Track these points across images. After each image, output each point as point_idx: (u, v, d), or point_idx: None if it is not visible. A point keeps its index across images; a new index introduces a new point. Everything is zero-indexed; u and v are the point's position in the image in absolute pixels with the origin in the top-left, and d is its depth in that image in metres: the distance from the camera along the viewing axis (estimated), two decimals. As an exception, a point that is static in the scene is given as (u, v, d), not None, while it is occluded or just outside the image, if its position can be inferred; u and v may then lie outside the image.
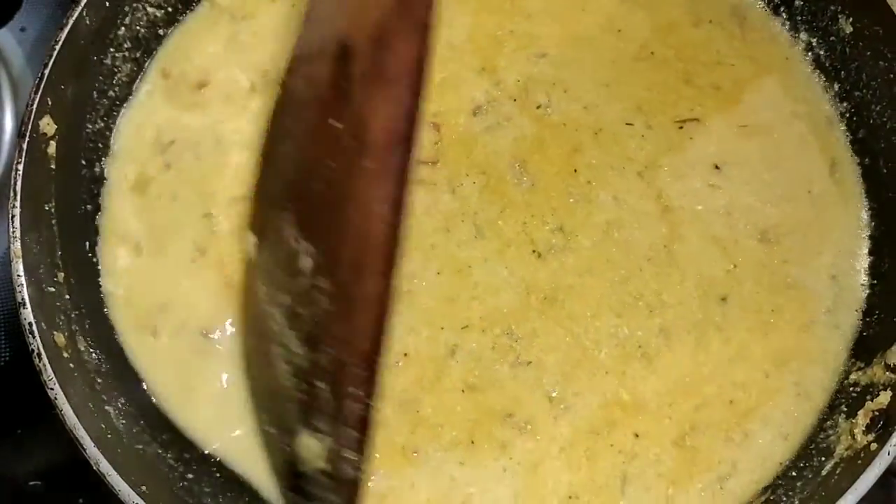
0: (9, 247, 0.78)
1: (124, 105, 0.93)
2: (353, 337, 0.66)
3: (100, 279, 0.88)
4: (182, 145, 0.91)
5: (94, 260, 0.89)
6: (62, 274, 0.84)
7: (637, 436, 0.83)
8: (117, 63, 0.92)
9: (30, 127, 0.81)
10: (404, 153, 0.64)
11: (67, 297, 0.84)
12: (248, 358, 0.81)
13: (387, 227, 0.64)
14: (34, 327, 0.76)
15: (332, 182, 0.69)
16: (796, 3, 0.96)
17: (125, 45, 0.92)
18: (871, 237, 0.91)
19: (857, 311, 0.88)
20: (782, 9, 0.98)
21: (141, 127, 0.93)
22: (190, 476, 0.83)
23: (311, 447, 0.70)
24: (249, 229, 0.81)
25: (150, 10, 0.93)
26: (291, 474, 0.75)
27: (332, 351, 0.68)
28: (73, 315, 0.84)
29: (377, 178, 0.65)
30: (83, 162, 0.89)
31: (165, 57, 0.94)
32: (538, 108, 0.91)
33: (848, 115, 0.94)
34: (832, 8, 0.93)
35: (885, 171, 0.91)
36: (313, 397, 0.69)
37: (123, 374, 0.86)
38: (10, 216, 0.79)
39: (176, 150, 0.91)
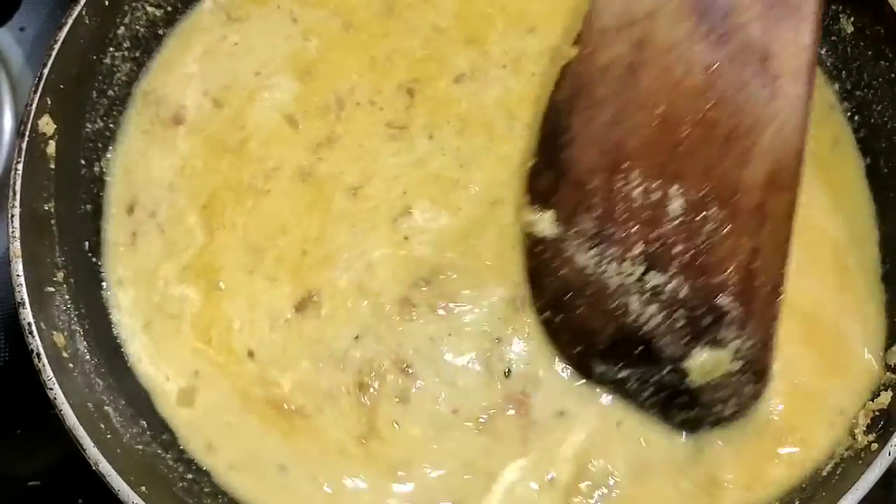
0: (8, 247, 0.78)
1: (124, 105, 0.93)
2: (771, 244, 0.73)
3: (100, 278, 0.88)
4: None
5: (94, 260, 0.89)
6: (62, 274, 0.84)
7: None
8: (117, 62, 0.92)
9: (29, 127, 0.81)
10: (814, 66, 0.73)
11: (67, 296, 0.84)
12: (564, 337, 0.82)
13: (803, 140, 0.73)
14: (33, 327, 0.76)
15: (710, 121, 0.74)
16: (797, 2, 0.96)
17: (125, 45, 0.92)
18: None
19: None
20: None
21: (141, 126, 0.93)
22: (189, 476, 0.83)
23: (711, 360, 0.75)
24: (539, 210, 0.82)
25: (149, 9, 0.93)
26: (671, 396, 0.79)
27: (736, 264, 0.73)
28: (72, 315, 0.84)
29: (796, 97, 0.72)
30: (83, 162, 0.89)
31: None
32: (533, 75, 0.92)
33: (849, 115, 0.94)
34: (833, 7, 0.93)
35: (885, 170, 0.90)
36: (710, 314, 0.74)
37: (123, 375, 0.86)
38: (10, 216, 0.79)
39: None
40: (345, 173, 0.90)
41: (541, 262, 0.83)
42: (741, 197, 0.74)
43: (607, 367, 0.80)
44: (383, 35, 0.94)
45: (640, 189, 0.76)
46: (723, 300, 0.74)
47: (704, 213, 0.74)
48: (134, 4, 0.91)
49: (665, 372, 0.78)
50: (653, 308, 0.76)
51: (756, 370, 0.77)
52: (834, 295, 0.86)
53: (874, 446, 0.77)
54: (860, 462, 0.76)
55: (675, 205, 0.75)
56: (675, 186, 0.75)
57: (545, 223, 0.81)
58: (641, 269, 0.76)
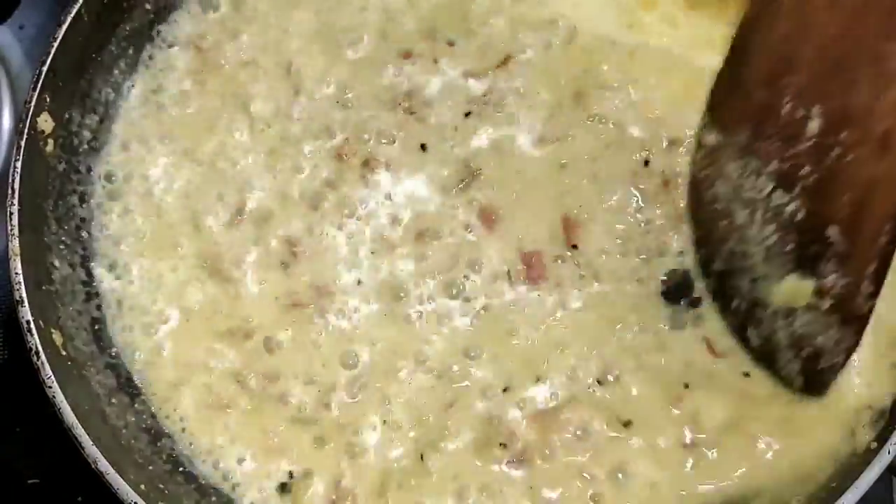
0: (7, 245, 0.78)
1: (122, 103, 0.93)
2: (887, 179, 0.74)
3: (98, 276, 0.88)
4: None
5: (92, 258, 0.89)
6: (60, 272, 0.84)
7: None
8: (116, 60, 0.91)
9: (28, 124, 0.81)
10: None
11: (66, 295, 0.84)
12: (706, 234, 0.89)
13: None
14: (32, 325, 0.76)
15: (864, 42, 0.76)
16: None
17: (123, 43, 0.92)
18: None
19: None
20: None
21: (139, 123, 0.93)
22: (188, 474, 0.83)
23: (797, 285, 0.80)
24: (713, 128, 0.88)
25: (147, 6, 0.93)
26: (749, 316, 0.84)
27: (852, 194, 0.76)
28: (71, 313, 0.84)
29: None
30: (81, 159, 0.89)
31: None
32: None
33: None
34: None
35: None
36: (817, 244, 0.78)
37: (121, 373, 0.86)
38: (8, 214, 0.79)
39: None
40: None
41: (700, 171, 0.89)
42: (872, 123, 0.75)
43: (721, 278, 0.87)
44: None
45: (788, 106, 0.81)
46: (832, 231, 0.77)
47: (836, 136, 0.77)
48: (132, 2, 0.91)
49: (753, 294, 0.84)
50: (770, 228, 0.82)
51: (845, 314, 0.78)
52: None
53: (874, 445, 0.77)
54: (859, 461, 0.77)
55: (814, 125, 0.78)
56: (818, 106, 0.78)
57: (709, 139, 0.88)
58: (770, 185, 0.82)
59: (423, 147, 0.90)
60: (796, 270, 0.80)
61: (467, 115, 0.91)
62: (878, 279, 0.76)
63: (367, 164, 0.90)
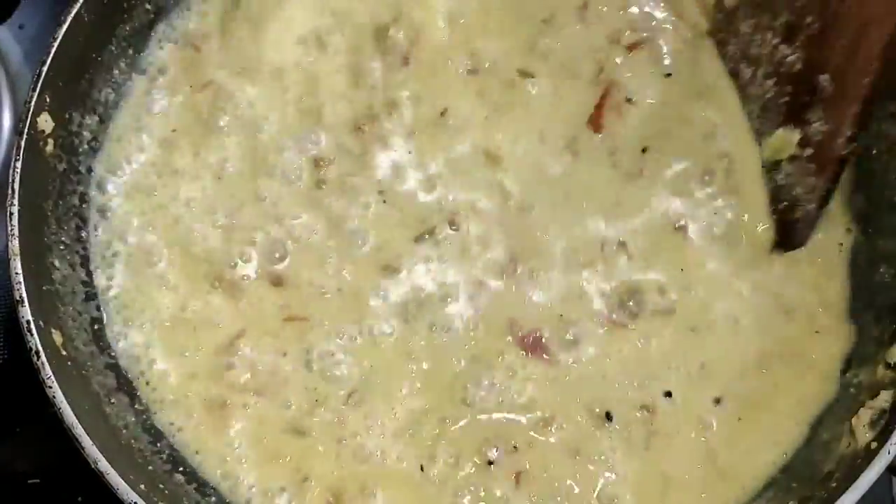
0: (7, 244, 0.78)
1: (123, 101, 0.93)
2: (879, 16, 0.78)
3: (98, 276, 0.88)
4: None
5: (92, 258, 0.89)
6: (60, 272, 0.84)
7: None
8: (116, 60, 0.91)
9: (28, 124, 0.80)
10: None
11: (66, 295, 0.84)
12: None
13: None
14: (32, 325, 0.76)
15: None
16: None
17: (123, 42, 0.92)
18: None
19: None
20: None
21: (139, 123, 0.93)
22: (186, 474, 0.83)
23: (787, 139, 0.87)
24: None
25: (147, 6, 0.93)
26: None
27: (847, 39, 0.81)
28: (71, 313, 0.84)
29: None
30: (81, 159, 0.89)
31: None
32: None
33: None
34: None
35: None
36: (808, 94, 0.84)
37: (121, 373, 0.86)
38: (9, 214, 0.79)
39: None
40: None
41: (717, 34, 0.95)
42: None
43: None
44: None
45: None
46: (823, 79, 0.83)
47: None
48: (132, 2, 0.91)
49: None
50: (769, 82, 0.89)
51: (824, 159, 0.84)
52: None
53: (874, 444, 0.77)
54: (859, 461, 0.77)
55: None
56: None
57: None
58: (777, 39, 0.87)
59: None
60: (786, 123, 0.87)
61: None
62: (858, 123, 0.81)
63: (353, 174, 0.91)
